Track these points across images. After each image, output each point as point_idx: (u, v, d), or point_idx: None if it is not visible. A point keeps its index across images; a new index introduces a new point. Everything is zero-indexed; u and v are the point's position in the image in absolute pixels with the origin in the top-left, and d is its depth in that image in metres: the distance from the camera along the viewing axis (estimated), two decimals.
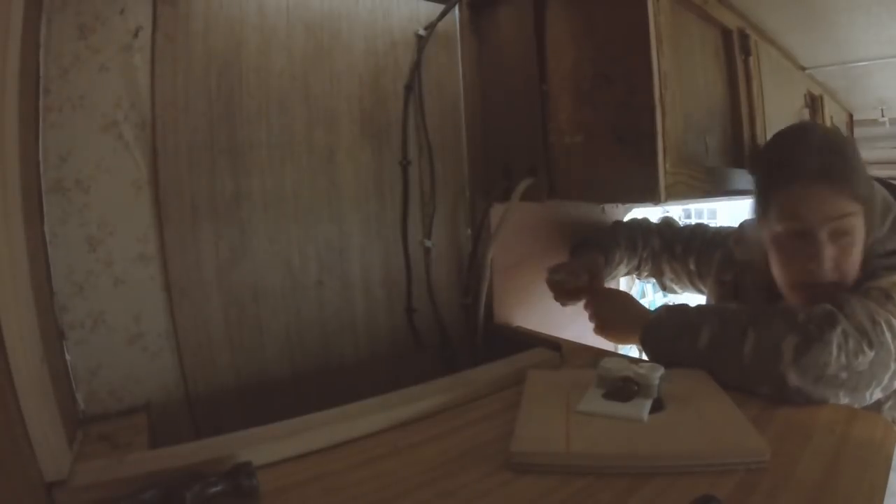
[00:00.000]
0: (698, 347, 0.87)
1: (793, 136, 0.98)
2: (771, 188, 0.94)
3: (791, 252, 0.94)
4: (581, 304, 1.14)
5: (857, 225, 0.90)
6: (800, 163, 0.91)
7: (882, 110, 2.32)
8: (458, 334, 1.25)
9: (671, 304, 0.97)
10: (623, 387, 0.76)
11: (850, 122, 2.55)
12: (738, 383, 0.82)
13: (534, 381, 0.87)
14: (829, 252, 0.89)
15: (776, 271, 0.98)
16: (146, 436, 0.79)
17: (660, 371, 0.76)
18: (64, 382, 0.78)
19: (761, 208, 0.97)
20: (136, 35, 0.86)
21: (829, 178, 0.88)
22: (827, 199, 0.89)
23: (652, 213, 1.52)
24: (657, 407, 0.74)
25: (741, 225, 1.19)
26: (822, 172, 0.89)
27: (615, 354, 1.09)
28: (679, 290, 1.42)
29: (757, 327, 0.83)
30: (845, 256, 0.90)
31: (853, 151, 0.93)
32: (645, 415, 0.71)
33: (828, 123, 2.06)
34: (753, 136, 1.30)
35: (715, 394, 0.79)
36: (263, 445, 0.69)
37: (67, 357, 0.82)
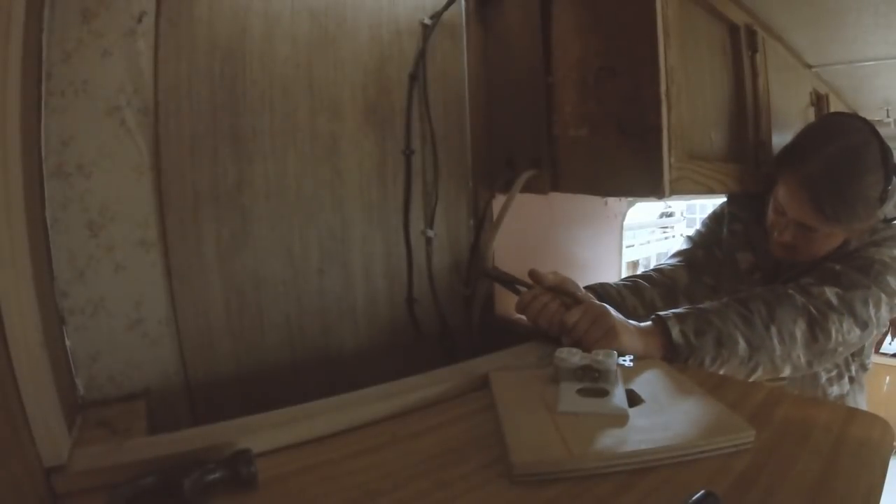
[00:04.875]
0: (739, 354, 0.90)
1: (818, 139, 1.03)
2: (781, 165, 1.06)
3: (774, 210, 1.09)
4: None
5: (830, 233, 1.01)
6: (802, 167, 1.00)
7: (888, 110, 2.31)
8: (459, 324, 1.26)
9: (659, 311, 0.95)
10: (586, 375, 0.77)
11: None
12: (771, 375, 0.92)
13: (501, 385, 0.82)
14: (790, 233, 1.04)
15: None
16: (145, 422, 0.79)
17: (615, 356, 0.78)
18: (64, 368, 0.78)
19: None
20: (139, 20, 0.85)
21: (814, 202, 0.97)
22: (803, 208, 0.99)
23: (655, 207, 1.52)
24: (635, 401, 0.75)
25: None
26: (811, 193, 0.97)
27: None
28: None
29: (775, 321, 0.91)
30: (806, 244, 1.04)
31: (859, 180, 0.96)
32: (626, 405, 0.72)
33: None
34: (758, 132, 1.29)
35: (686, 385, 0.79)
36: (262, 433, 0.69)
37: (67, 342, 0.82)
